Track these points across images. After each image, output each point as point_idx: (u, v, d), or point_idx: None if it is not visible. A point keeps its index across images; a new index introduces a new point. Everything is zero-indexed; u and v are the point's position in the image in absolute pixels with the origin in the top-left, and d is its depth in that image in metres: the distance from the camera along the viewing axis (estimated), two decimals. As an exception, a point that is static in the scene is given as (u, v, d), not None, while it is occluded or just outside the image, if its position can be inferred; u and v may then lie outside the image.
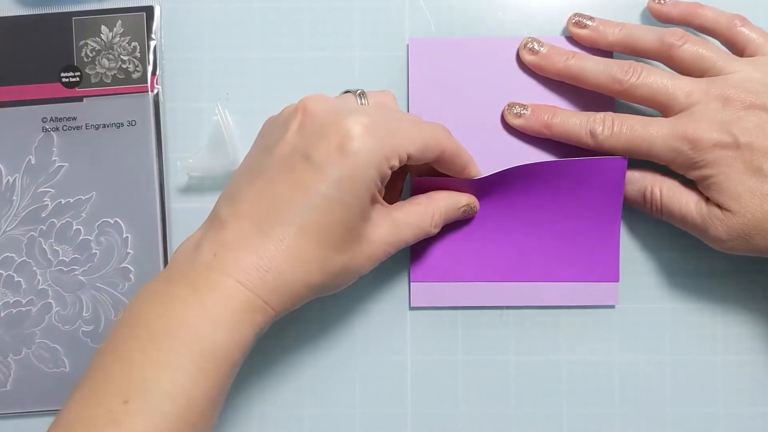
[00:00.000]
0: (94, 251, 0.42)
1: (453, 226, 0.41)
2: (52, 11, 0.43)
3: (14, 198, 0.42)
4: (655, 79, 0.38)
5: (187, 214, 0.43)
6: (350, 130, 0.32)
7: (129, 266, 0.42)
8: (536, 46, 0.41)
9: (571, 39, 0.41)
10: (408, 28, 0.43)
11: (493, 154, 0.41)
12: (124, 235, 0.42)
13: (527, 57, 0.41)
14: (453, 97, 0.41)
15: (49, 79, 0.42)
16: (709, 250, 0.38)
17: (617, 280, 0.41)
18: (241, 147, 0.43)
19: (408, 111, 0.42)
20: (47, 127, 0.42)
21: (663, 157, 0.37)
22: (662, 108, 0.38)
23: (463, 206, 0.40)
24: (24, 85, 0.42)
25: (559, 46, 0.41)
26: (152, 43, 0.42)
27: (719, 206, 0.37)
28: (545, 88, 0.41)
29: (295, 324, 0.42)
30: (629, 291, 0.42)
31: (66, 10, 0.43)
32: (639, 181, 0.39)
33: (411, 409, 0.42)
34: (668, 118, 0.37)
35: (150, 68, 0.42)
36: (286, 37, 0.43)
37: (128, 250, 0.42)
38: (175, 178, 0.43)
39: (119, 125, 0.42)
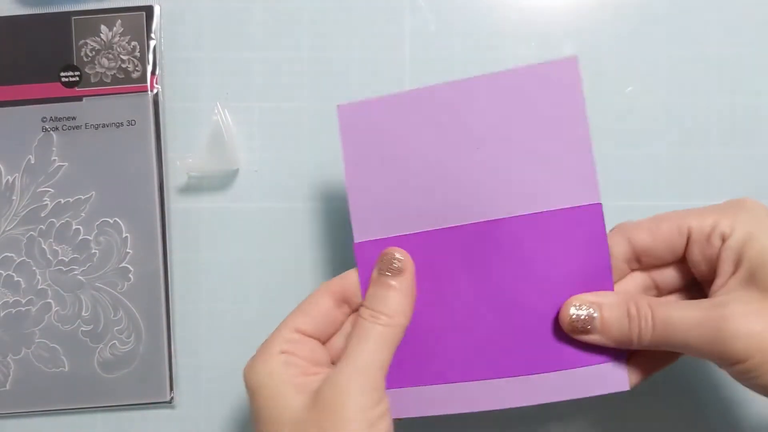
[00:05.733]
0: (93, 251, 0.42)
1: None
2: (52, 11, 0.43)
3: (14, 198, 0.42)
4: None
5: (187, 213, 0.43)
6: None
7: (128, 266, 0.42)
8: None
9: None
10: (408, 28, 0.43)
11: (441, 208, 0.34)
12: (124, 235, 0.42)
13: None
14: (391, 157, 0.34)
15: (49, 78, 0.42)
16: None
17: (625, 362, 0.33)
18: (240, 147, 0.43)
19: (345, 178, 0.35)
20: (47, 126, 0.42)
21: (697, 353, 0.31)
22: None
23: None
24: (24, 85, 0.42)
25: None
26: (152, 43, 0.42)
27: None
28: (484, 136, 0.34)
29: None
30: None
31: (66, 10, 0.42)
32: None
33: None
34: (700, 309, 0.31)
35: (149, 68, 0.42)
36: (286, 37, 0.43)
37: (127, 250, 0.42)
38: (175, 178, 0.43)
39: (119, 125, 0.42)
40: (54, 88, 0.42)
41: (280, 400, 0.31)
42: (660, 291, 0.34)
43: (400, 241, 0.34)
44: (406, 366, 0.34)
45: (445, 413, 0.34)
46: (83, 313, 0.42)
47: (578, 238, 0.33)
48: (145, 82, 0.42)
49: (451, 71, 0.43)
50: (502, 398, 0.33)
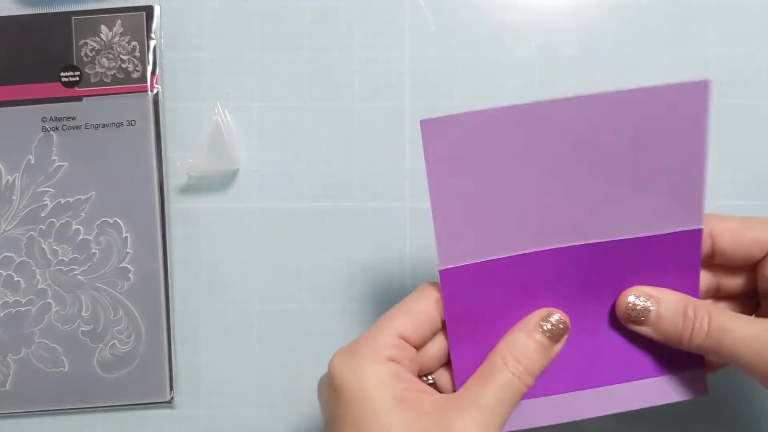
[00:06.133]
0: (93, 251, 0.42)
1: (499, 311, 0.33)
2: (52, 11, 0.43)
3: (14, 198, 0.42)
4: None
5: (187, 213, 0.43)
6: None
7: (128, 266, 0.42)
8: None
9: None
10: (408, 28, 0.43)
11: (536, 230, 0.32)
12: (124, 235, 0.42)
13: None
14: (481, 176, 0.31)
15: (49, 78, 0.42)
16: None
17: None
18: (240, 147, 0.43)
19: (430, 199, 0.31)
20: (47, 126, 0.42)
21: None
22: None
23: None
24: (24, 85, 0.42)
25: None
26: (152, 43, 0.42)
27: None
28: (571, 157, 0.31)
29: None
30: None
31: (66, 10, 0.43)
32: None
33: None
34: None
35: (149, 68, 0.42)
36: (286, 37, 0.43)
37: (127, 250, 0.42)
38: (175, 178, 0.43)
39: (119, 125, 0.42)
40: (54, 88, 0.42)
41: (383, 415, 0.28)
42: (719, 292, 0.34)
43: (490, 266, 0.32)
44: None
45: (536, 426, 0.34)
46: (83, 313, 0.42)
47: (674, 260, 0.32)
48: (145, 82, 0.42)
49: (452, 71, 0.43)
50: (589, 407, 0.34)
